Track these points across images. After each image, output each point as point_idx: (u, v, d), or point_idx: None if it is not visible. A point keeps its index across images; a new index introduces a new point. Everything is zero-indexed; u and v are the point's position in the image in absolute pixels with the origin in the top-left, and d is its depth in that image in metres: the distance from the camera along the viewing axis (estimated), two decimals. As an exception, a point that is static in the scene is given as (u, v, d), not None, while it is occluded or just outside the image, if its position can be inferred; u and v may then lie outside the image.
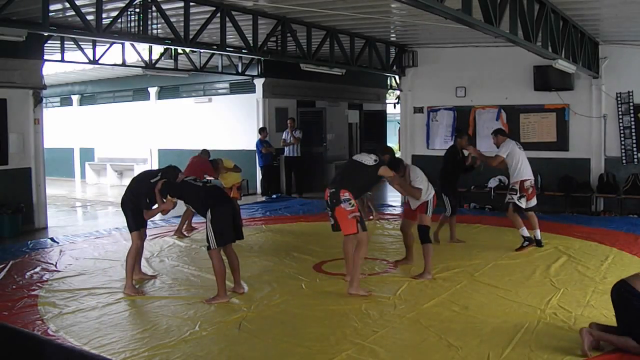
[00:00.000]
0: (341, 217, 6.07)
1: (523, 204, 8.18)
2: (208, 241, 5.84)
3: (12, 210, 9.77)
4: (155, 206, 6.18)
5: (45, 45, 10.86)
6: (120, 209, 6.60)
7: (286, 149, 14.73)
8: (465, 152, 8.90)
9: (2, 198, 9.77)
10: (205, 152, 10.27)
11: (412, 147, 13.68)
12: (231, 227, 5.96)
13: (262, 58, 12.89)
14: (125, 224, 6.61)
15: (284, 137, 14.74)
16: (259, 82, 15.07)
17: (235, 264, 6.14)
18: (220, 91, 16.31)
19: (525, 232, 8.12)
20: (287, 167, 15.08)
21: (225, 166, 9.85)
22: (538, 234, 8.30)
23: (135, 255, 6.49)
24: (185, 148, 16.40)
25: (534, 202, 8.32)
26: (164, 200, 6.00)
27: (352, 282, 6.10)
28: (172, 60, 13.19)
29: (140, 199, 6.27)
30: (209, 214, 5.80)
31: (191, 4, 8.51)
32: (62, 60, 12.08)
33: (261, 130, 14.62)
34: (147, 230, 6.75)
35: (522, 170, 8.18)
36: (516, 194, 8.13)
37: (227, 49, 9.94)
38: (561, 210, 11.56)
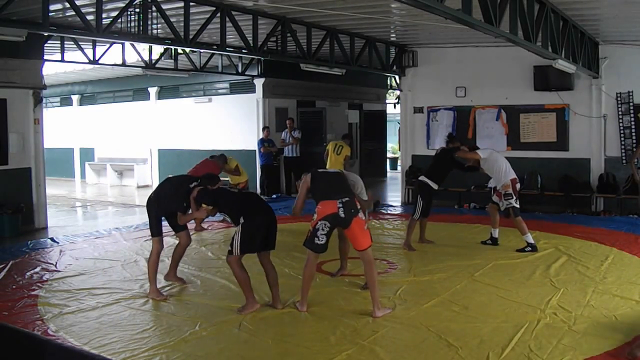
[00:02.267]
0: (360, 228, 5.49)
1: (518, 204, 8.21)
2: (231, 246, 5.51)
3: (12, 210, 9.77)
4: (190, 211, 6.05)
5: (45, 45, 10.86)
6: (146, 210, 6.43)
7: (285, 149, 14.73)
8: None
9: (2, 198, 9.77)
10: (222, 157, 10.28)
11: (412, 147, 13.68)
12: (262, 238, 5.58)
13: (262, 58, 12.88)
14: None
15: (282, 137, 14.74)
16: (259, 82, 15.07)
17: (272, 277, 5.78)
18: (220, 91, 16.31)
19: (530, 239, 8.13)
20: (287, 167, 15.08)
21: (228, 166, 9.92)
22: (497, 232, 8.48)
23: (156, 260, 6.28)
24: (185, 148, 16.43)
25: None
26: (198, 208, 5.85)
27: (376, 303, 5.51)
28: (172, 60, 13.19)
29: (177, 202, 6.13)
30: (242, 220, 5.48)
31: (191, 4, 8.51)
32: (62, 60, 12.08)
33: (264, 129, 14.65)
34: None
35: (509, 170, 8.21)
36: (512, 198, 8.12)
37: (227, 49, 9.94)
38: (561, 210, 11.57)
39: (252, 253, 5.66)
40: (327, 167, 11.68)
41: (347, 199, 5.47)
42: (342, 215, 5.41)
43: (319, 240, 5.48)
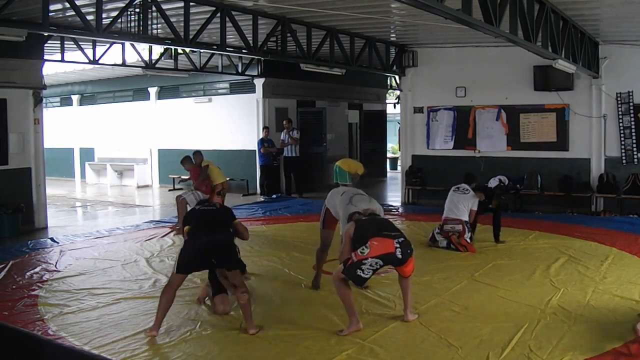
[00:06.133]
0: (410, 263, 5.26)
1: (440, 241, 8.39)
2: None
3: (12, 210, 9.77)
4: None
5: (45, 45, 10.86)
6: None
7: (285, 149, 14.74)
8: None
9: (2, 198, 9.77)
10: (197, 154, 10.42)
11: (412, 147, 13.68)
12: (197, 261, 5.14)
13: (262, 58, 12.89)
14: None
15: (282, 137, 14.75)
16: (259, 82, 15.07)
17: (244, 308, 5.15)
18: (220, 91, 16.31)
19: None
20: (286, 168, 15.07)
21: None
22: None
23: None
24: (185, 148, 16.40)
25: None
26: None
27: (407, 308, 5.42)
28: (172, 60, 13.20)
29: None
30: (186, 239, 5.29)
31: (191, 4, 8.51)
32: (62, 60, 12.08)
33: (264, 129, 14.66)
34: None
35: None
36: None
37: (227, 49, 9.93)
38: (561, 210, 11.57)
39: (187, 273, 5.25)
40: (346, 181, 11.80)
41: (402, 239, 5.16)
42: (400, 256, 5.08)
43: (363, 273, 4.98)
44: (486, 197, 8.58)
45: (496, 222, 8.63)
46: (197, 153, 10.53)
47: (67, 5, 7.86)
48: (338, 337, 4.95)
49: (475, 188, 8.61)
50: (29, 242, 9.04)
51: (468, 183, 8.66)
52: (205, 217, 5.42)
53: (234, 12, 9.06)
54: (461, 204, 8.39)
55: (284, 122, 14.77)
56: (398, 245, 5.07)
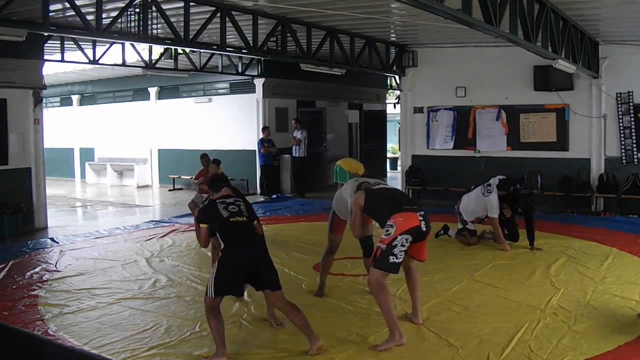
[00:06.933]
0: (425, 242, 5.11)
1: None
2: (207, 284, 4.69)
3: (12, 210, 9.76)
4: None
5: (45, 45, 10.86)
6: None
7: (293, 149, 14.77)
8: None
9: (2, 198, 9.76)
10: (204, 157, 10.08)
11: (412, 147, 13.69)
12: (239, 278, 4.69)
13: (262, 58, 12.89)
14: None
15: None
16: (259, 82, 15.07)
17: (299, 320, 4.66)
18: (220, 91, 16.32)
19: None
20: (293, 167, 15.05)
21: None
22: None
23: None
24: (185, 148, 16.44)
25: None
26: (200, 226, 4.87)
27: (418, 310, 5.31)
28: (172, 60, 13.20)
29: None
30: (222, 253, 4.69)
31: (191, 4, 8.52)
32: (62, 60, 12.08)
33: (263, 129, 14.66)
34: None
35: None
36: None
37: (227, 49, 9.94)
38: (561, 210, 11.57)
39: (231, 295, 4.82)
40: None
41: (423, 211, 4.95)
42: (424, 228, 4.86)
43: (395, 258, 4.68)
44: (513, 201, 8.29)
45: (529, 226, 8.14)
46: (211, 161, 10.26)
47: (67, 5, 7.87)
48: (338, 337, 4.95)
49: (501, 196, 8.21)
50: (29, 242, 9.04)
51: (499, 188, 8.30)
52: (242, 226, 4.73)
53: (234, 12, 9.07)
54: (466, 202, 8.50)
55: (292, 122, 14.80)
56: (422, 218, 4.87)
